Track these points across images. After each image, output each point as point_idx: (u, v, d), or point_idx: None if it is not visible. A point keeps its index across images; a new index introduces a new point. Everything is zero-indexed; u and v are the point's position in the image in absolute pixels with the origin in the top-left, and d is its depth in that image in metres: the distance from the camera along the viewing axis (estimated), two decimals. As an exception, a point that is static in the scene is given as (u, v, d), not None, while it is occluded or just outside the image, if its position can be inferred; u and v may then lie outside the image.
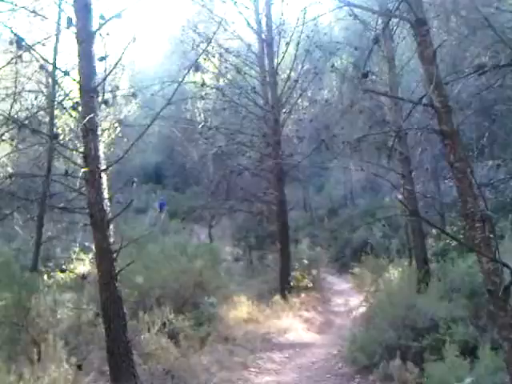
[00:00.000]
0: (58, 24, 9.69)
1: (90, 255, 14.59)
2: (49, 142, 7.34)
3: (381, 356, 8.04)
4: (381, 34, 5.37)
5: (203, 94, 14.95)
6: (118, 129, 11.68)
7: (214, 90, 15.49)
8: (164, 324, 8.91)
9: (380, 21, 13.47)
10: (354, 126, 15.79)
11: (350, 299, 14.70)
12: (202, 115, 19.20)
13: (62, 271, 10.22)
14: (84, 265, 14.37)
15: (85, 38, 6.93)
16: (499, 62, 5.59)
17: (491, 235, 3.93)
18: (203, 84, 13.43)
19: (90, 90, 6.94)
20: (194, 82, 12.85)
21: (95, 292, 9.74)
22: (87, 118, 6.60)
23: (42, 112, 11.45)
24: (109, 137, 8.14)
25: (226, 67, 14.80)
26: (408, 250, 14.14)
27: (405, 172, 13.73)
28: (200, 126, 14.85)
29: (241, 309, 11.50)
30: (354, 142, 19.35)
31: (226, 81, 14.85)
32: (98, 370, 7.58)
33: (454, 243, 14.76)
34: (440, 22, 15.34)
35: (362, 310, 12.71)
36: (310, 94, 16.17)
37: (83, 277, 8.57)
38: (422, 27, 4.05)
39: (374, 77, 14.51)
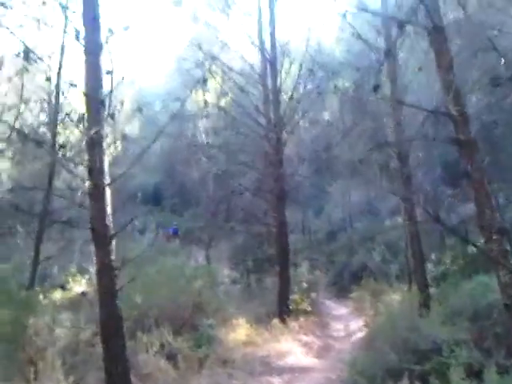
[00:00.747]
0: (64, 36, 9.70)
1: (87, 276, 14.45)
2: (52, 156, 7.23)
3: (382, 379, 7.91)
4: (393, 46, 5.29)
5: (205, 113, 14.94)
6: (121, 145, 11.60)
7: (216, 110, 15.50)
8: (162, 345, 8.77)
9: (383, 41, 13.65)
10: (354, 148, 15.76)
11: (348, 324, 14.55)
12: (203, 135, 19.11)
13: (62, 288, 10.01)
14: (80, 285, 14.18)
15: (92, 50, 6.90)
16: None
17: (508, 248, 3.85)
18: (206, 102, 13.42)
19: (96, 102, 6.89)
20: (197, 101, 12.76)
21: (93, 312, 9.66)
22: (94, 131, 6.54)
23: (43, 128, 11.44)
24: (113, 152, 8.05)
25: (229, 86, 14.82)
26: (408, 274, 14.03)
27: (406, 194, 13.69)
28: (203, 145, 14.77)
29: (239, 331, 11.32)
30: (355, 163, 19.42)
31: (228, 100, 14.83)
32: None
33: (453, 268, 14.71)
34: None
35: (362, 334, 12.57)
36: (311, 115, 16.14)
37: (83, 294, 8.42)
38: (439, 35, 4.02)
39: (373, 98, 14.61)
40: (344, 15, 13.89)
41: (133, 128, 23.63)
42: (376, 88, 4.86)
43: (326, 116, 17.82)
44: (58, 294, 11.86)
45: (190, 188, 29.29)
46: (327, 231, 25.84)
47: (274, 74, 13.83)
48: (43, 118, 12.42)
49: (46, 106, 12.11)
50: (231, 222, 15.60)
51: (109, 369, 7.01)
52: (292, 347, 11.38)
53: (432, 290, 12.42)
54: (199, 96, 16.46)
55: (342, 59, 15.28)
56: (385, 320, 10.12)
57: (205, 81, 7.96)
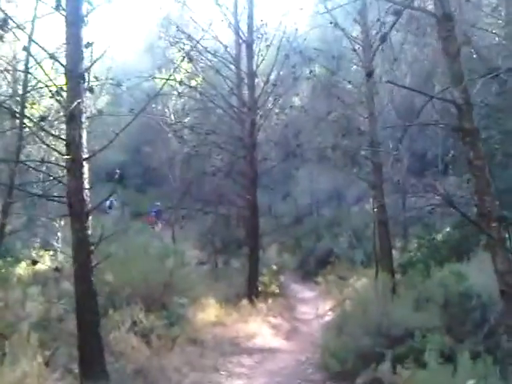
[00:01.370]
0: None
1: (51, 252, 14.20)
2: (24, 126, 7.02)
3: (354, 363, 8.04)
4: (388, 32, 5.29)
5: (177, 92, 14.71)
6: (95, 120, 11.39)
7: (187, 90, 15.30)
8: (134, 323, 8.70)
9: (360, 29, 13.69)
10: (326, 135, 15.83)
11: (315, 307, 14.67)
12: (173, 115, 18.89)
13: (34, 263, 9.79)
14: (43, 262, 13.89)
15: (74, 21, 6.72)
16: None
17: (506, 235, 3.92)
18: (180, 82, 13.25)
19: (76, 75, 6.72)
20: (171, 80, 12.53)
21: (62, 287, 9.53)
22: (74, 104, 6.38)
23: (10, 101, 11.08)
24: (87, 127, 7.87)
25: (202, 67, 14.65)
26: (375, 260, 14.23)
27: (376, 183, 13.86)
28: (174, 123, 14.58)
29: (209, 311, 11.35)
30: (324, 149, 19.53)
31: (201, 80, 14.63)
32: (65, 368, 7.26)
33: (418, 256, 14.97)
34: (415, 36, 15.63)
35: (329, 317, 12.73)
36: (285, 100, 16.12)
37: (56, 269, 8.25)
38: (448, 22, 4.04)
39: (349, 86, 14.68)
40: (323, 1, 13.98)
41: (102, 105, 23.09)
42: (369, 74, 4.86)
43: (299, 102, 17.78)
44: (22, 270, 11.59)
45: (155, 168, 28.85)
46: (294, 216, 25.96)
47: (250, 56, 13.73)
48: (13, 89, 12.06)
49: (18, 76, 11.79)
50: (200, 203, 15.41)
51: (82, 344, 6.94)
52: (261, 329, 11.47)
53: (398, 277, 12.61)
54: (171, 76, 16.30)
55: (317, 46, 15.20)
56: (355, 304, 10.26)
57: (190, 58, 7.81)
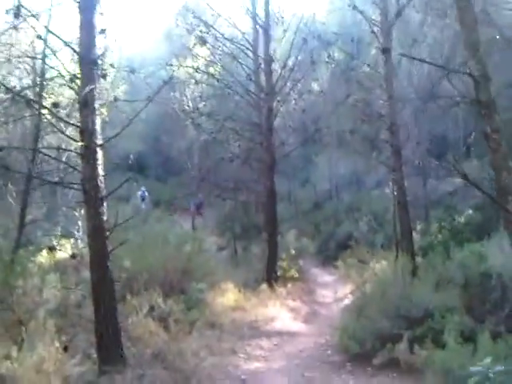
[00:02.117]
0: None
1: (72, 240, 14.33)
2: (42, 114, 7.09)
3: (373, 345, 8.02)
4: (404, 8, 5.17)
5: (194, 80, 14.70)
6: (111, 107, 11.41)
7: (205, 77, 15.30)
8: (152, 308, 8.76)
9: (379, 12, 13.50)
10: (345, 120, 15.72)
11: (335, 291, 14.63)
12: (191, 103, 18.89)
13: (51, 249, 9.90)
14: (66, 249, 14.05)
15: (87, 7, 6.73)
16: None
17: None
18: (197, 68, 13.25)
19: (89, 61, 6.74)
20: (187, 67, 12.52)
21: (81, 274, 9.63)
22: (86, 90, 6.40)
23: (28, 91, 11.15)
24: (103, 114, 7.93)
25: (220, 54, 14.60)
26: (395, 243, 14.14)
27: (396, 166, 13.72)
28: (192, 111, 14.58)
29: (227, 296, 11.37)
30: (343, 134, 19.35)
31: (218, 68, 14.59)
32: (84, 353, 7.33)
33: (439, 239, 14.83)
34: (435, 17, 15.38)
35: (349, 301, 12.67)
36: (304, 85, 15.98)
37: (73, 256, 8.34)
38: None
39: (368, 70, 14.52)
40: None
41: (119, 93, 23.20)
42: (386, 51, 4.78)
43: (318, 87, 17.62)
44: (44, 258, 11.72)
45: (175, 157, 28.95)
46: (313, 201, 25.87)
47: (267, 41, 13.63)
48: (30, 78, 12.13)
49: (33, 65, 11.85)
50: (219, 190, 15.42)
51: (99, 331, 7.01)
52: (280, 312, 11.49)
53: (418, 260, 12.51)
54: (188, 63, 16.29)
55: (335, 30, 15.08)
56: (375, 287, 10.21)
57: (203, 41, 7.79)
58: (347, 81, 14.69)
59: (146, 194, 26.80)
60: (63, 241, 14.55)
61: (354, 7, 13.22)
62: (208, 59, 14.95)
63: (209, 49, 14.14)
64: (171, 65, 13.38)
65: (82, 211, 14.55)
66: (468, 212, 15.52)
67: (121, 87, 20.87)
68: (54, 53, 7.25)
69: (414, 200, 16.27)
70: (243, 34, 14.36)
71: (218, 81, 13.92)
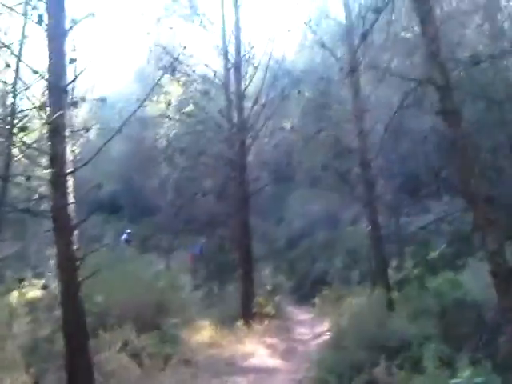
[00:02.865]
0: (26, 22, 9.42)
1: (43, 281, 13.97)
2: (10, 140, 6.97)
3: (350, 376, 7.86)
4: (369, 30, 5.29)
5: (167, 116, 14.69)
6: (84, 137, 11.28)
7: (178, 116, 15.34)
8: (125, 343, 8.50)
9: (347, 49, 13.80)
10: (316, 155, 15.82)
11: (312, 328, 14.46)
12: (164, 140, 18.81)
13: (21, 281, 9.60)
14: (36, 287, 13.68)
15: (57, 36, 6.71)
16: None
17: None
18: (169, 104, 13.28)
19: (59, 89, 6.68)
20: (161, 102, 12.54)
21: (52, 310, 9.30)
22: (55, 116, 6.33)
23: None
24: (74, 144, 7.83)
25: (191, 91, 14.67)
26: (371, 279, 14.12)
27: (368, 201, 13.82)
28: (165, 147, 14.53)
29: (203, 333, 11.16)
30: (316, 171, 19.46)
31: (190, 104, 14.59)
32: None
33: (414, 273, 14.84)
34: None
35: (326, 337, 12.49)
36: (275, 121, 16.09)
37: (44, 287, 8.08)
38: (425, 4, 4.02)
39: (338, 105, 14.75)
40: (309, 23, 14.13)
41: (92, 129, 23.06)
42: (353, 70, 4.85)
43: (289, 124, 17.74)
44: (14, 296, 11.36)
45: (148, 196, 28.66)
46: (288, 240, 25.74)
47: (238, 78, 13.77)
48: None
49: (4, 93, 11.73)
50: (193, 226, 15.23)
51: (70, 365, 6.74)
52: (257, 349, 11.25)
53: (394, 294, 12.45)
54: (160, 102, 16.35)
55: (305, 68, 15.36)
56: (351, 320, 10.11)
57: (174, 69, 7.82)
58: (318, 117, 14.87)
59: (129, 237, 26.00)
60: (34, 280, 14.21)
61: (323, 45, 13.54)
62: (180, 98, 14.98)
63: (181, 86, 14.19)
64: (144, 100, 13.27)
65: (55, 250, 14.33)
66: (442, 247, 15.59)
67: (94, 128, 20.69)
68: (27, 87, 7.17)
69: (388, 236, 16.30)
70: (215, 72, 14.48)
71: (190, 116, 13.92)
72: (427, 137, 19.76)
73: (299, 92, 13.79)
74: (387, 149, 16.26)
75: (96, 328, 8.58)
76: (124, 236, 25.66)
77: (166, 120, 15.56)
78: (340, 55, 13.45)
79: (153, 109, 16.76)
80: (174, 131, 16.37)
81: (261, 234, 25.71)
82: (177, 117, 15.38)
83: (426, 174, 22.08)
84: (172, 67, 7.67)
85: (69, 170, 6.77)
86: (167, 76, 14.12)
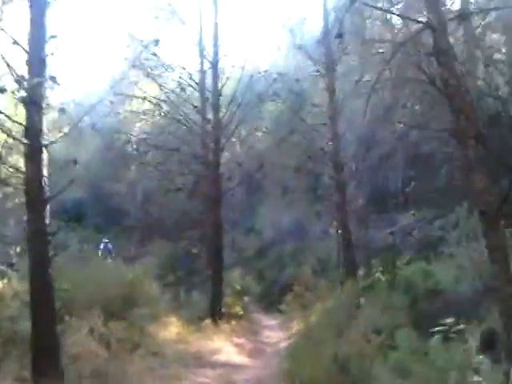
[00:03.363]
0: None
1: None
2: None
3: (324, 367, 7.78)
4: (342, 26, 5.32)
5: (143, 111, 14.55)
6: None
7: (152, 112, 15.19)
8: (92, 330, 8.27)
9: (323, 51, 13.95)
10: (290, 157, 15.88)
11: (278, 333, 14.38)
12: (137, 139, 18.53)
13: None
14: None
15: (38, 5, 6.62)
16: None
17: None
18: (144, 98, 13.20)
19: (38, 59, 6.57)
20: (136, 97, 12.42)
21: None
22: (33, 86, 6.21)
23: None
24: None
25: (167, 92, 14.54)
26: (340, 282, 14.15)
27: (340, 202, 13.92)
28: (137, 142, 14.36)
29: (170, 329, 10.95)
30: (286, 181, 19.45)
31: (165, 100, 14.38)
32: (17, 377, 6.77)
33: (382, 281, 14.94)
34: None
35: (293, 340, 12.42)
36: (251, 122, 16.07)
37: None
38: None
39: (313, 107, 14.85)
40: (286, 25, 14.31)
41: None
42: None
43: (264, 126, 17.69)
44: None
45: (116, 205, 28.22)
46: (257, 249, 25.72)
47: (215, 76, 13.75)
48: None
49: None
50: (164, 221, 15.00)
51: (37, 341, 6.53)
52: (224, 346, 11.12)
53: (363, 297, 12.47)
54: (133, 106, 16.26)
55: (281, 69, 15.41)
56: (321, 316, 10.09)
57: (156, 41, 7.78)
58: (292, 119, 14.95)
59: (110, 246, 24.99)
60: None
61: (300, 47, 13.69)
62: (155, 96, 14.82)
63: (156, 84, 14.10)
64: (121, 94, 13.15)
65: (18, 249, 13.96)
66: (409, 255, 15.74)
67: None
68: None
69: (356, 246, 16.39)
70: (190, 75, 14.44)
71: (164, 114, 13.84)
72: (396, 148, 20.14)
73: (275, 94, 13.83)
74: (359, 156, 16.46)
75: (62, 314, 8.35)
76: (102, 246, 24.96)
77: (140, 118, 15.36)
78: (317, 57, 13.60)
79: (127, 108, 16.63)
80: (147, 129, 16.14)
81: (230, 242, 25.66)
82: (151, 114, 15.17)
83: (393, 185, 22.44)
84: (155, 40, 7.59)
85: (44, 143, 6.63)
86: (143, 75, 14.13)
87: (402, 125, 19.54)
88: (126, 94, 13.72)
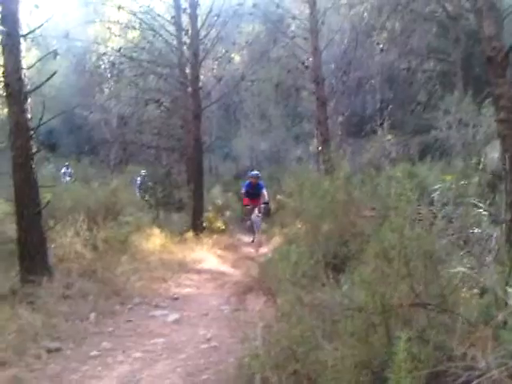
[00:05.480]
0: None
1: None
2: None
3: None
4: None
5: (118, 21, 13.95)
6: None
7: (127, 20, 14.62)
8: (77, 233, 8.22)
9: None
10: (269, 72, 15.63)
11: (259, 248, 14.51)
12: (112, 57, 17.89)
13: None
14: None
15: None
16: None
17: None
18: (120, 7, 12.69)
19: None
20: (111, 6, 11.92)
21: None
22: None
23: None
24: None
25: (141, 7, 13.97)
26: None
27: (321, 118, 13.84)
28: (114, 54, 13.85)
29: (154, 240, 10.94)
30: (263, 105, 19.25)
31: (141, 8, 13.79)
32: (5, 276, 6.70)
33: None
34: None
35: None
36: (229, 36, 15.62)
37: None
38: None
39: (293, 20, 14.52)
40: None
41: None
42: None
43: (243, 40, 17.23)
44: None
45: (89, 132, 27.75)
46: (235, 174, 25.74)
47: (191, -16, 13.19)
48: None
49: None
50: (143, 135, 14.66)
51: (23, 237, 6.47)
52: (208, 257, 11.20)
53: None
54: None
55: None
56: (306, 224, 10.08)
57: None
58: (272, 32, 14.63)
59: (70, 169, 25.45)
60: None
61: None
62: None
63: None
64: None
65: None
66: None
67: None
68: None
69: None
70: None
71: (141, 24, 13.35)
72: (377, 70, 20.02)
73: (254, 5, 13.42)
74: (338, 74, 16.34)
75: (46, 218, 8.25)
76: (63, 170, 25.00)
77: (114, 32, 14.77)
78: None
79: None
80: (122, 43, 15.54)
81: (208, 168, 25.64)
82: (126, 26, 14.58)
83: (371, 108, 22.47)
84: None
85: (22, 33, 6.34)
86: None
87: (381, 45, 19.54)
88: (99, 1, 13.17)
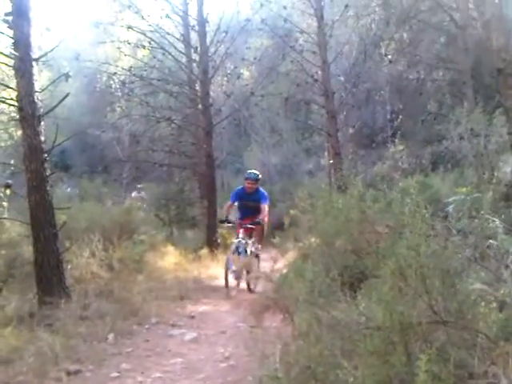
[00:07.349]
0: None
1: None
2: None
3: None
4: None
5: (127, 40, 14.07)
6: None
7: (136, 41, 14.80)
8: (93, 254, 8.28)
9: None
10: (280, 86, 15.69)
11: (273, 264, 14.46)
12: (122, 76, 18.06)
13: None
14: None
15: None
16: None
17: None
18: (129, 27, 12.85)
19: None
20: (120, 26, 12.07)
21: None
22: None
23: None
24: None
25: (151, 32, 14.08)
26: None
27: (331, 131, 13.86)
28: (124, 74, 14.00)
29: (168, 259, 11.01)
30: (275, 119, 19.27)
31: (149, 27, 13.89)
32: (22, 297, 6.76)
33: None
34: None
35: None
36: (238, 52, 15.73)
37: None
38: None
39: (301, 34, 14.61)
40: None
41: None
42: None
43: (252, 55, 17.32)
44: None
45: (102, 151, 27.91)
46: (247, 189, 25.69)
47: (200, 3, 13.32)
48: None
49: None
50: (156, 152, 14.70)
51: (40, 260, 6.52)
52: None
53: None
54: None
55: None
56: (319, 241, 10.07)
57: None
58: (281, 47, 14.74)
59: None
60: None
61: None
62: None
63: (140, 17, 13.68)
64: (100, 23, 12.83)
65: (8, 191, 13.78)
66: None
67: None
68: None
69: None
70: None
71: (149, 43, 13.50)
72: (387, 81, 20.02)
73: (263, 21, 13.55)
74: (348, 87, 16.36)
75: (62, 239, 8.32)
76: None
77: (124, 52, 14.89)
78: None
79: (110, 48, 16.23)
80: (132, 63, 15.66)
81: (220, 184, 25.67)
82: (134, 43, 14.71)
83: (381, 119, 22.46)
84: None
85: (34, 56, 6.44)
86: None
87: (389, 56, 19.57)
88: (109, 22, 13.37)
